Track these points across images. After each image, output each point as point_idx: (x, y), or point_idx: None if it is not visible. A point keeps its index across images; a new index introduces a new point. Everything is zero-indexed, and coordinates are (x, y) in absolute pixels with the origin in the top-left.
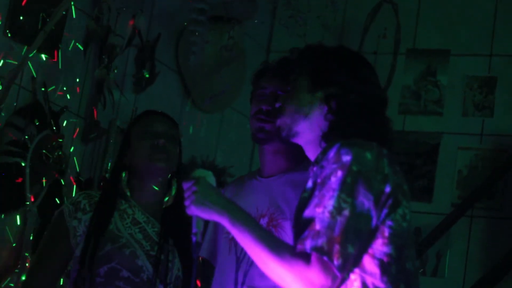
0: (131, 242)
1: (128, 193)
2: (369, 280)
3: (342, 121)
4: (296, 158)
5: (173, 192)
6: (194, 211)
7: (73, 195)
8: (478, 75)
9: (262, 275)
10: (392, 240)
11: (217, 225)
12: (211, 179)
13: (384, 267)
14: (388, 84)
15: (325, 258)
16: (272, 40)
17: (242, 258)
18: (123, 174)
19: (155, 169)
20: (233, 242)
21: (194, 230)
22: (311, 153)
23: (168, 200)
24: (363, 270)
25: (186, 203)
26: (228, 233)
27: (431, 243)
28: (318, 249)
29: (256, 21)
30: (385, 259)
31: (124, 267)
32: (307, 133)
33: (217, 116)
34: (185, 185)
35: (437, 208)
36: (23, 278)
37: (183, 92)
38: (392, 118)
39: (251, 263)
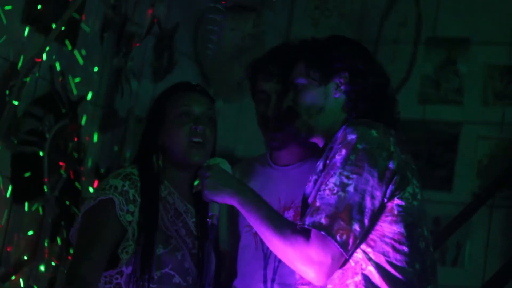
0: (179, 243)
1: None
2: (381, 260)
3: (360, 104)
4: (313, 146)
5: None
6: (208, 196)
7: (111, 180)
8: (499, 63)
9: (293, 272)
10: (402, 218)
11: (235, 217)
12: (225, 165)
13: (395, 246)
14: (408, 73)
15: (322, 232)
16: (291, 27)
17: (269, 255)
18: (156, 158)
19: (190, 163)
20: (258, 237)
21: (209, 213)
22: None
23: (197, 184)
24: (375, 249)
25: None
26: (250, 226)
27: (451, 232)
28: (316, 225)
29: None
30: (396, 237)
31: (177, 272)
32: (322, 126)
33: (235, 105)
34: (201, 173)
35: (457, 197)
36: (41, 267)
37: (202, 81)
38: (412, 107)
39: (280, 260)
